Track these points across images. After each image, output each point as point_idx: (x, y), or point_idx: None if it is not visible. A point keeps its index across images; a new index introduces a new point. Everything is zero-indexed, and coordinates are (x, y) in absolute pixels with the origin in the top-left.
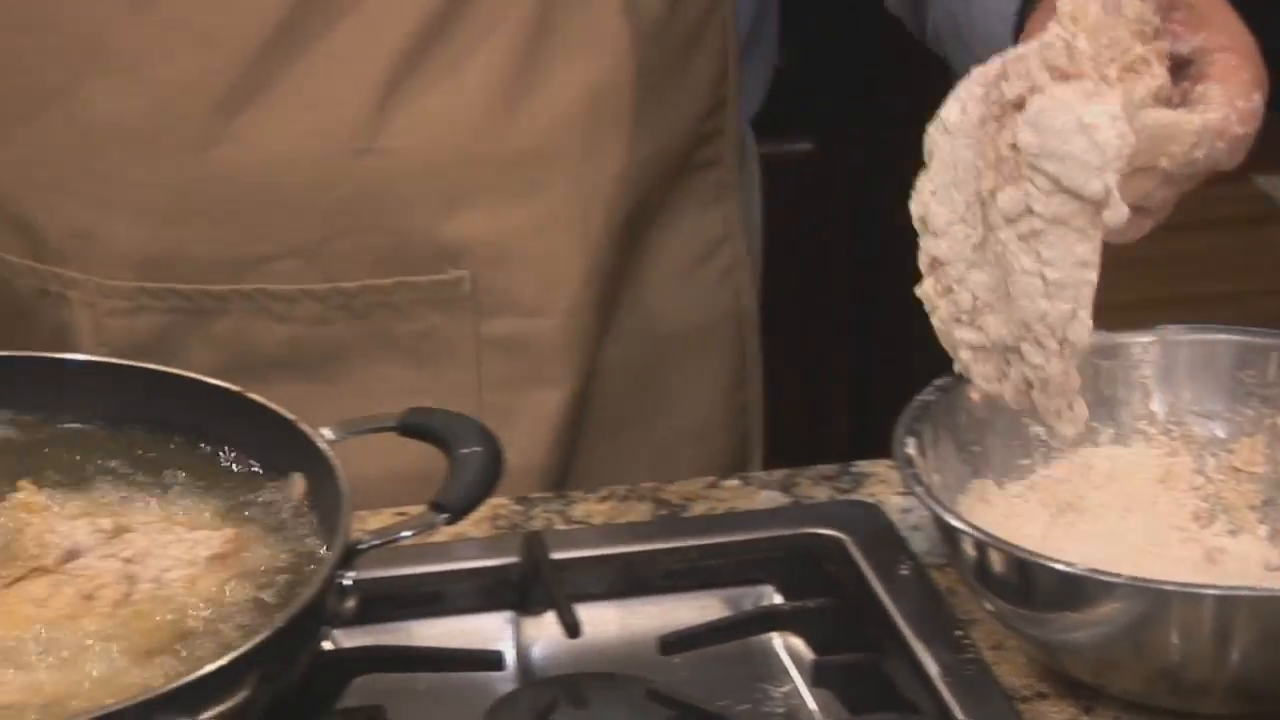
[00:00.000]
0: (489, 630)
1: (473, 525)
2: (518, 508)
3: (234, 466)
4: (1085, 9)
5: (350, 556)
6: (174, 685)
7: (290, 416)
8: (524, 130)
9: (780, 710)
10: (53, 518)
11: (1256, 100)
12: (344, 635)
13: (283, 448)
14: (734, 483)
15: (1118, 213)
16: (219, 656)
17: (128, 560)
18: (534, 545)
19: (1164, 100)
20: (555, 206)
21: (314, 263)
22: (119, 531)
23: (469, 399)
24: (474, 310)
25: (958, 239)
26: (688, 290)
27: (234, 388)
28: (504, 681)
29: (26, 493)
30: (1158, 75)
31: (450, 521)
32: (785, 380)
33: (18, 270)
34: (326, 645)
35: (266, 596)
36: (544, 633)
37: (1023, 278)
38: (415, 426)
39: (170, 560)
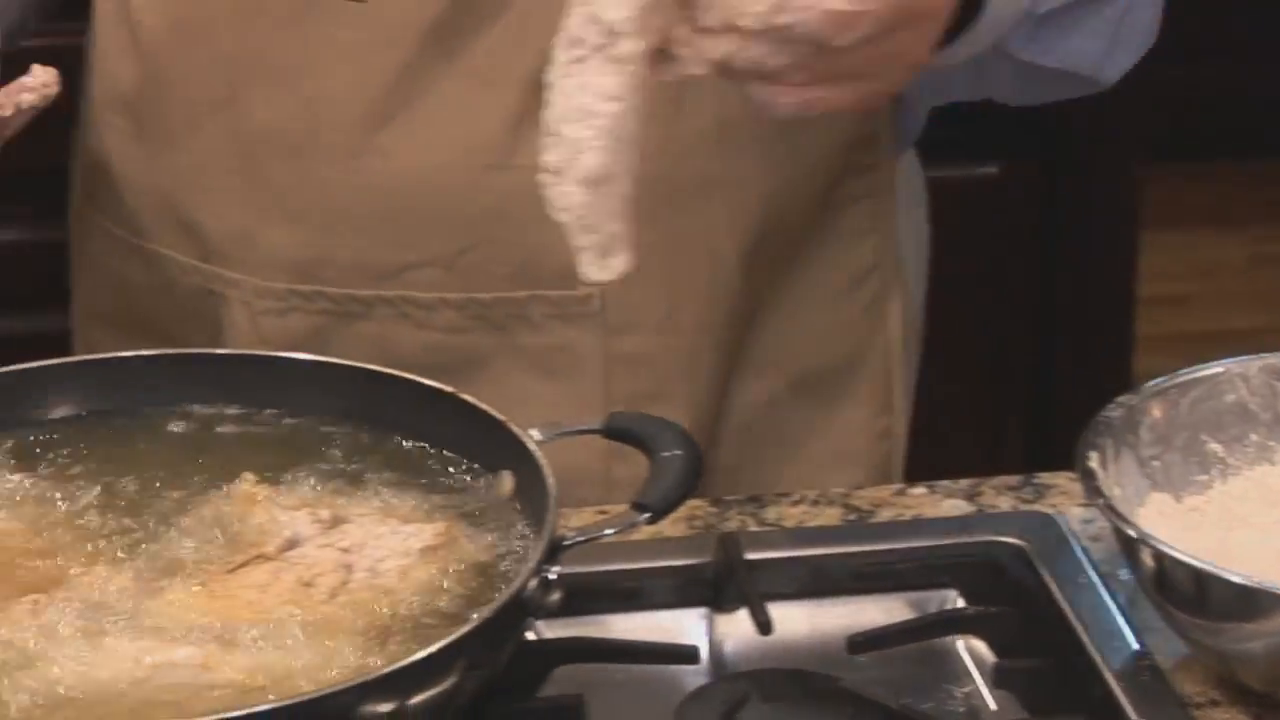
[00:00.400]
0: (683, 625)
1: (670, 525)
2: (713, 509)
3: (447, 463)
4: None
5: (556, 551)
6: (386, 670)
7: (501, 417)
8: (654, 154)
9: (961, 710)
10: (274, 508)
11: None
12: (546, 626)
13: (493, 446)
14: (920, 490)
15: (632, 46)
16: (429, 644)
17: (345, 550)
18: (729, 545)
19: None
20: (683, 229)
21: (452, 273)
22: (337, 522)
23: (597, 412)
24: (603, 326)
25: (560, 61)
26: (832, 318)
27: (448, 389)
28: (697, 675)
29: (249, 483)
30: None
31: (651, 521)
32: (966, 397)
33: (185, 269)
34: (530, 635)
35: (475, 587)
36: (736, 629)
37: (563, 101)
38: (619, 430)
39: (385, 551)
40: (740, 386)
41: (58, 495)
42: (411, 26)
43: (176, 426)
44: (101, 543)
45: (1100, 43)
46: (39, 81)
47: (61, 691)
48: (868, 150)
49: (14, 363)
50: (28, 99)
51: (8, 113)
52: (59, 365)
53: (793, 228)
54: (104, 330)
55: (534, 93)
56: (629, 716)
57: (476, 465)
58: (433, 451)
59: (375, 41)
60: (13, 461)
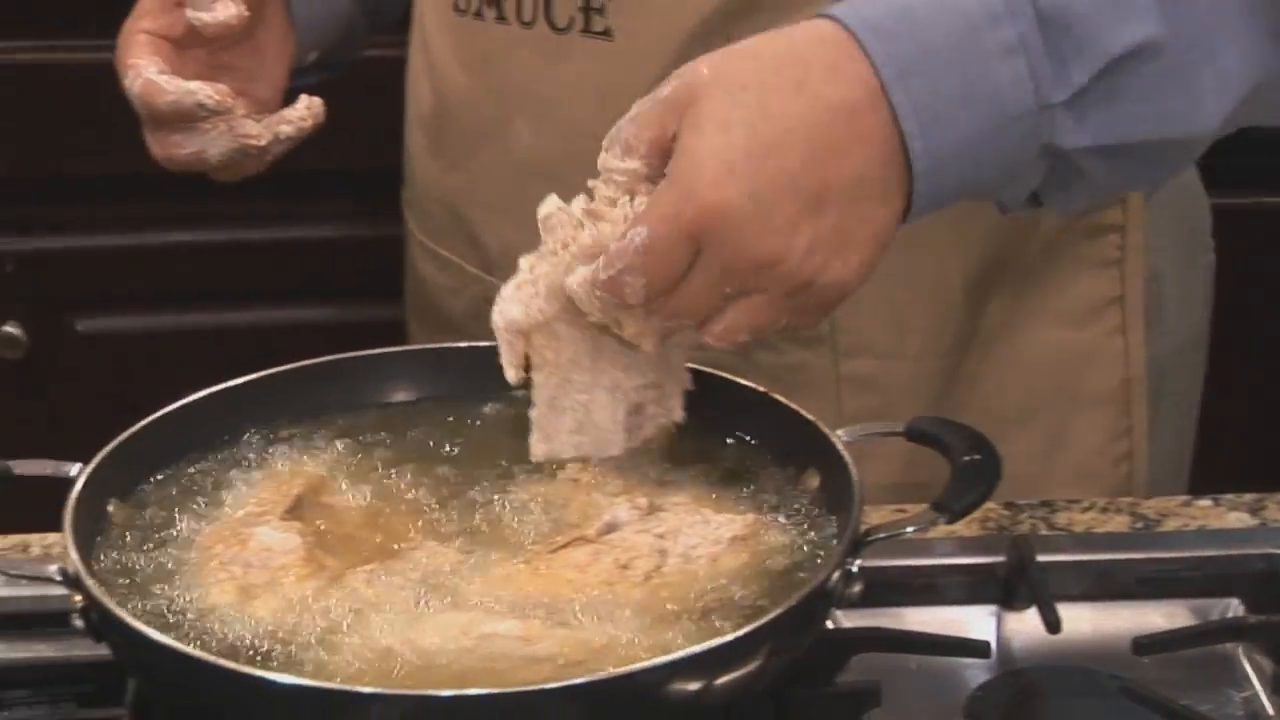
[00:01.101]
0: (973, 621)
1: (963, 525)
2: (1005, 512)
3: (757, 458)
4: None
5: (858, 546)
6: (696, 650)
7: (810, 418)
8: None
9: (1240, 714)
10: (596, 494)
11: (633, 236)
12: (844, 616)
13: (802, 445)
14: (1205, 502)
15: (508, 374)
16: (736, 628)
17: (660, 536)
18: (1021, 547)
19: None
20: (909, 258)
21: None
22: (653, 510)
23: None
24: (833, 349)
25: None
26: (1067, 345)
27: (760, 388)
28: (985, 669)
29: (574, 470)
30: (602, 229)
31: (949, 521)
32: (1251, 417)
33: (471, 278)
34: (828, 624)
35: (780, 576)
36: (1024, 627)
37: None
38: (921, 433)
39: (697, 539)
40: (970, 408)
41: (394, 474)
42: (656, 63)
43: (505, 415)
44: (433, 519)
45: (1175, 99)
46: (296, 115)
47: (391, 655)
48: None
49: (357, 349)
50: (285, 130)
51: (263, 142)
52: (396, 353)
53: (1024, 257)
54: (419, 324)
55: None
56: (920, 704)
57: (785, 461)
58: (744, 447)
59: (622, 77)
60: (355, 442)
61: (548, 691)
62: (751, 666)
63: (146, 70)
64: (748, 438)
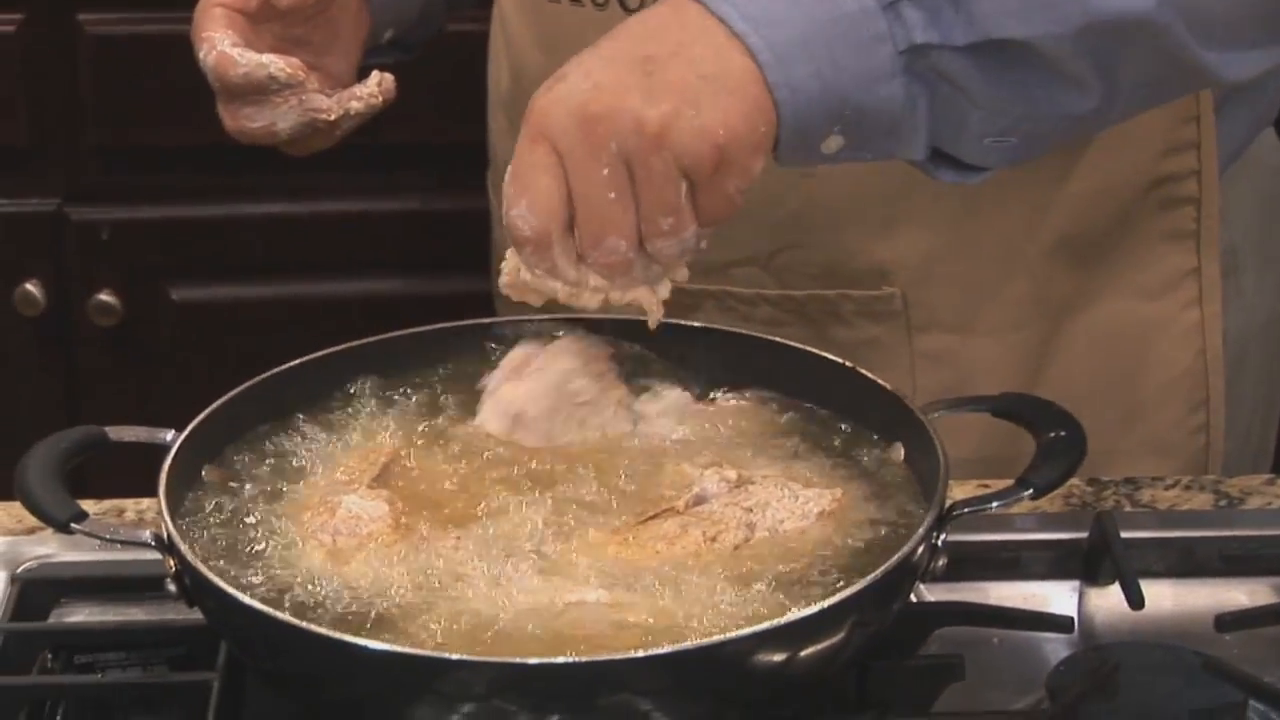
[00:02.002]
0: (1056, 596)
1: (1047, 501)
2: (1089, 488)
3: (844, 432)
4: None
5: (944, 520)
6: (781, 622)
7: (896, 391)
8: None
9: None
10: (685, 465)
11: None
12: (928, 589)
13: (889, 419)
14: None
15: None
16: (821, 601)
17: (748, 509)
18: (1106, 523)
19: None
20: (981, 233)
21: (768, 270)
22: (742, 483)
23: None
24: (906, 324)
25: None
26: (1142, 318)
27: (848, 363)
28: (1067, 644)
29: (664, 442)
30: None
31: (1034, 497)
32: None
33: None
34: (913, 598)
35: (866, 550)
36: (1106, 603)
37: None
38: (1007, 409)
39: (785, 513)
40: (1045, 381)
41: (482, 443)
42: None
43: None
44: (521, 489)
45: None
46: (367, 91)
47: (478, 622)
48: (1187, 157)
49: (442, 320)
50: (355, 106)
51: (333, 116)
52: (482, 324)
53: (1098, 231)
54: (504, 301)
55: None
56: (1002, 678)
57: (872, 435)
58: (831, 420)
59: None
60: (443, 412)
61: (634, 660)
62: (836, 639)
63: (220, 43)
64: (833, 411)
